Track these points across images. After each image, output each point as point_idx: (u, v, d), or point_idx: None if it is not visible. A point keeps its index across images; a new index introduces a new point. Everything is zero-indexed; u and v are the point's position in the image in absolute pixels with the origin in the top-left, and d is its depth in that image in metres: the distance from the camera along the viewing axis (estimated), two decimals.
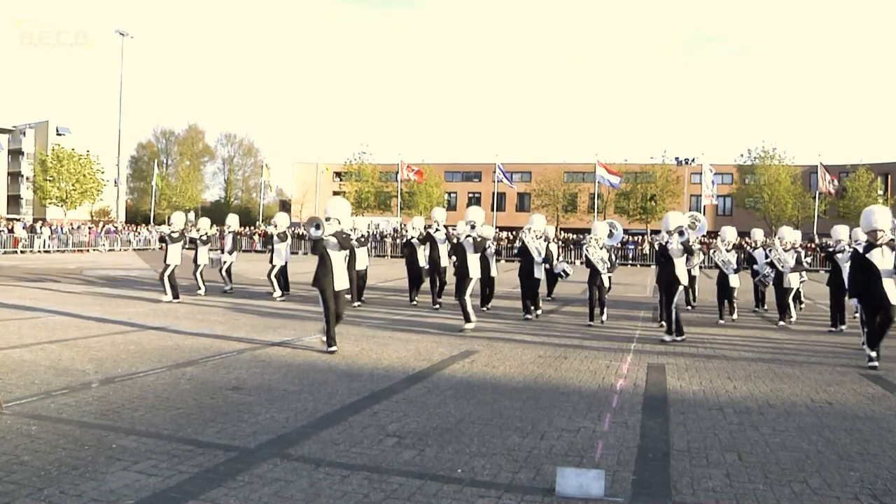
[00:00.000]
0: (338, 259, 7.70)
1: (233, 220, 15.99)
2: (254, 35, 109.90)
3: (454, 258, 10.29)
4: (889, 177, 51.27)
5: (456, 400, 5.46)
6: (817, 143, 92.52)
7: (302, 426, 4.58)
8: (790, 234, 11.99)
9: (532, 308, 11.48)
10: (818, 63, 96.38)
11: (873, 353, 7.41)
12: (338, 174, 59.26)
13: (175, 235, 12.92)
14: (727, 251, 12.10)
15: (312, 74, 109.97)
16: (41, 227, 37.10)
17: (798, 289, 12.08)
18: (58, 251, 34.45)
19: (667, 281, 9.26)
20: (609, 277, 11.83)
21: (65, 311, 10.51)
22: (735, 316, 11.94)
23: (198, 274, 14.21)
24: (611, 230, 12.38)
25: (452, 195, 61.48)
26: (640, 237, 39.48)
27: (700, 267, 13.22)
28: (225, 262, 14.98)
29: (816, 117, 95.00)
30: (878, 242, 7.44)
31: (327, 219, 7.71)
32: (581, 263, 14.50)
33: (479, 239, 9.81)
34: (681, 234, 9.19)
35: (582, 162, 52.06)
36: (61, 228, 38.13)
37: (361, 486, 3.48)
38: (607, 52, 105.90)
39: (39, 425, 4.37)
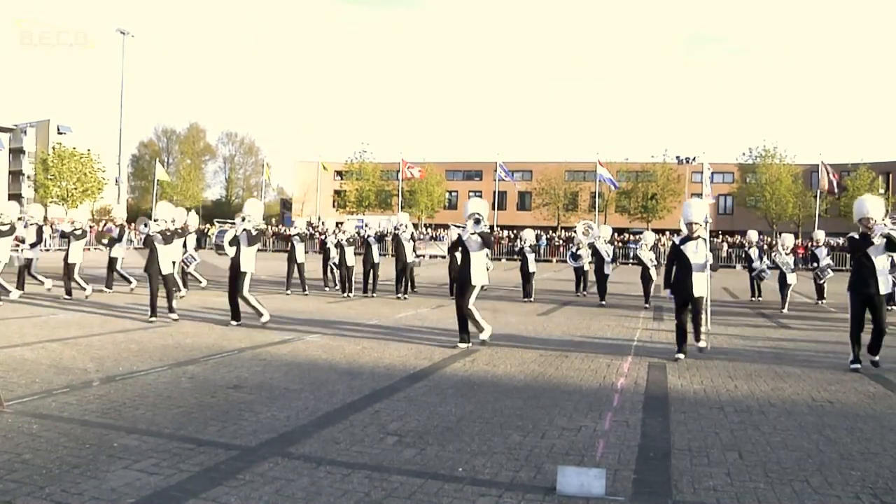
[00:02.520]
0: (163, 250, 9.73)
1: (35, 211, 13.78)
2: (254, 34, 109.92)
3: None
4: (890, 176, 51.16)
5: (457, 398, 5.46)
6: (818, 142, 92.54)
7: (303, 425, 4.58)
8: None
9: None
10: (819, 62, 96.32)
11: (702, 344, 7.80)
12: (339, 173, 59.23)
13: (3, 229, 11.37)
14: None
15: (313, 73, 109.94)
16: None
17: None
18: (59, 249, 34.39)
19: (461, 280, 8.16)
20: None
21: (66, 310, 10.52)
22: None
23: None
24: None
25: (453, 194, 61.45)
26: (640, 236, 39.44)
27: None
28: (29, 260, 13.03)
29: (817, 116, 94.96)
30: (694, 235, 7.52)
31: (155, 220, 10.11)
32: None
33: (254, 233, 9.50)
34: (476, 221, 7.98)
35: (583, 161, 52.05)
36: None
37: (362, 485, 3.48)
38: (608, 52, 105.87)
39: (41, 424, 4.37)
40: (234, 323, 9.31)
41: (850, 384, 6.39)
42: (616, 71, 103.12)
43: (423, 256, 17.20)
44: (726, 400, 5.65)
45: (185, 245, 13.36)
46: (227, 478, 3.52)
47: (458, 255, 8.45)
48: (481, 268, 8.07)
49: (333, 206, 58.02)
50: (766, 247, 16.04)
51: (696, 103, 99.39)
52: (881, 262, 7.12)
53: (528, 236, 15.33)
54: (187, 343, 7.76)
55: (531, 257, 14.69)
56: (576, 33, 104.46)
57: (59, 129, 60.97)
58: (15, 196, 63.06)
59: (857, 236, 7.25)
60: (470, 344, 7.98)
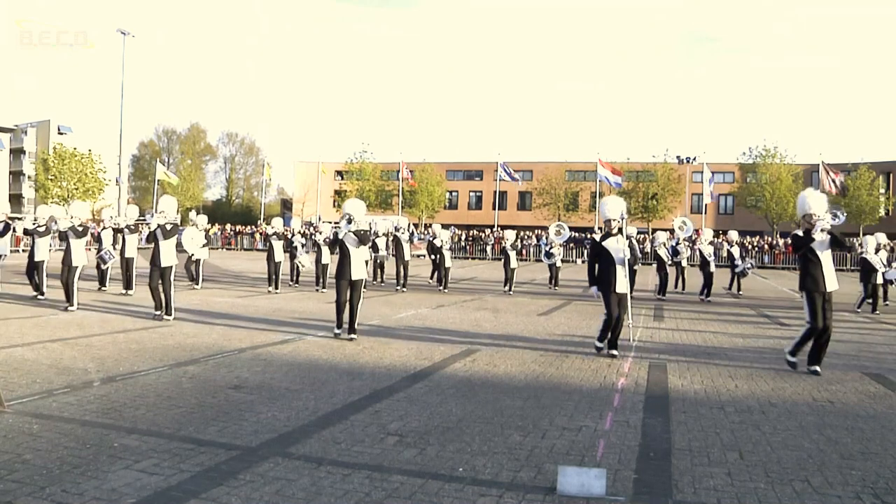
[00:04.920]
0: (76, 244, 11.06)
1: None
2: (255, 34, 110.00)
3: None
4: (891, 175, 51.18)
5: (457, 399, 5.46)
6: (819, 142, 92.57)
7: (303, 425, 4.59)
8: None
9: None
10: (819, 61, 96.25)
11: (604, 347, 7.66)
12: (339, 173, 59.24)
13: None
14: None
15: (313, 74, 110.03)
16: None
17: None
18: (59, 250, 34.38)
19: (343, 276, 8.39)
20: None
21: (66, 310, 10.51)
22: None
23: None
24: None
25: (454, 194, 61.46)
26: (643, 236, 39.47)
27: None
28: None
29: (818, 116, 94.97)
30: (613, 231, 7.66)
31: (72, 216, 11.84)
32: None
33: (168, 228, 9.92)
34: (349, 221, 8.38)
35: (583, 161, 52.06)
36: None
37: (363, 485, 3.48)
38: (608, 52, 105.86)
39: (41, 424, 4.37)
40: (168, 318, 9.60)
41: (850, 384, 6.39)
42: (616, 71, 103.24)
43: (425, 255, 18.69)
44: (727, 400, 5.65)
45: (100, 241, 13.63)
46: (228, 478, 3.52)
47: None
48: (360, 264, 8.56)
49: (334, 206, 58.00)
50: (751, 247, 18.65)
51: (696, 103, 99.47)
52: (828, 257, 6.98)
53: (509, 237, 17.22)
54: (188, 343, 7.76)
55: (512, 254, 16.50)
56: (576, 33, 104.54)
57: (59, 130, 61.00)
58: (15, 196, 63.13)
59: (800, 233, 7.11)
60: (341, 332, 8.48)
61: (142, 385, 5.59)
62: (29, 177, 60.70)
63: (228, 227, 45.46)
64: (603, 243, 7.65)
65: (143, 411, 4.78)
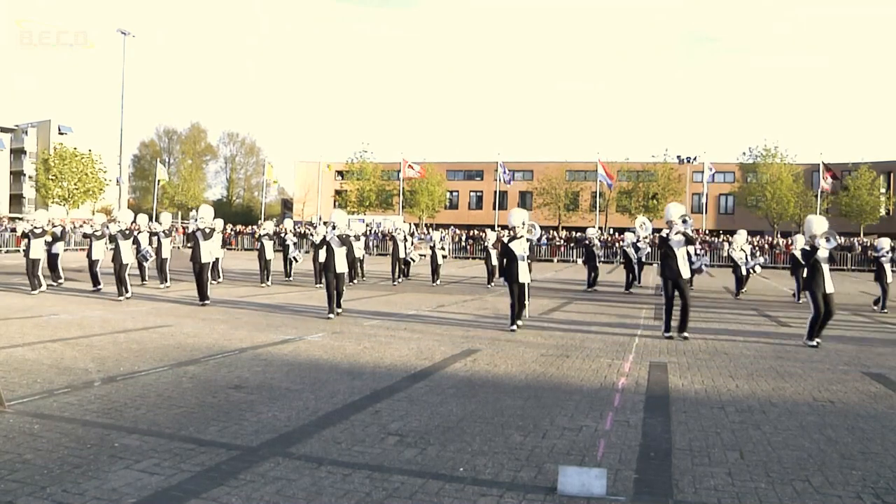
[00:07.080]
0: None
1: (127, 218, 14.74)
2: (256, 34, 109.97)
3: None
4: (891, 175, 51.16)
5: (458, 398, 5.46)
6: (819, 142, 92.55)
7: (304, 425, 4.59)
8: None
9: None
10: (820, 61, 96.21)
11: (515, 328, 9.52)
12: (339, 173, 59.24)
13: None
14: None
15: (314, 73, 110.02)
16: None
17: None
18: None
19: (330, 269, 10.64)
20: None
21: (67, 310, 10.52)
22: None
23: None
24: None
25: (454, 194, 61.45)
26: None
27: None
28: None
29: (818, 115, 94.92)
30: (518, 235, 9.66)
31: (117, 221, 13.51)
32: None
33: (207, 231, 11.97)
34: (333, 227, 10.64)
35: (584, 161, 52.06)
36: (63, 227, 38.05)
37: (363, 485, 3.48)
38: (608, 52, 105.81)
39: (42, 424, 4.38)
40: (207, 302, 11.74)
41: (851, 384, 6.39)
42: (616, 71, 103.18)
43: (424, 256, 20.76)
44: (727, 399, 5.65)
45: (138, 243, 15.40)
46: (229, 478, 3.53)
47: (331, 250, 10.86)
48: (342, 260, 10.79)
49: (334, 205, 57.99)
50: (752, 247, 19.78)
51: (696, 103, 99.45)
52: (682, 252, 9.11)
53: (490, 236, 18.90)
54: (188, 343, 7.76)
55: (493, 253, 17.83)
56: (576, 33, 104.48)
57: (60, 130, 60.96)
58: (16, 196, 63.18)
59: (664, 234, 9.31)
60: (332, 315, 10.39)
61: (142, 385, 5.60)
62: (30, 177, 60.66)
63: (229, 227, 45.43)
64: (510, 244, 9.64)
65: (143, 411, 4.79)
